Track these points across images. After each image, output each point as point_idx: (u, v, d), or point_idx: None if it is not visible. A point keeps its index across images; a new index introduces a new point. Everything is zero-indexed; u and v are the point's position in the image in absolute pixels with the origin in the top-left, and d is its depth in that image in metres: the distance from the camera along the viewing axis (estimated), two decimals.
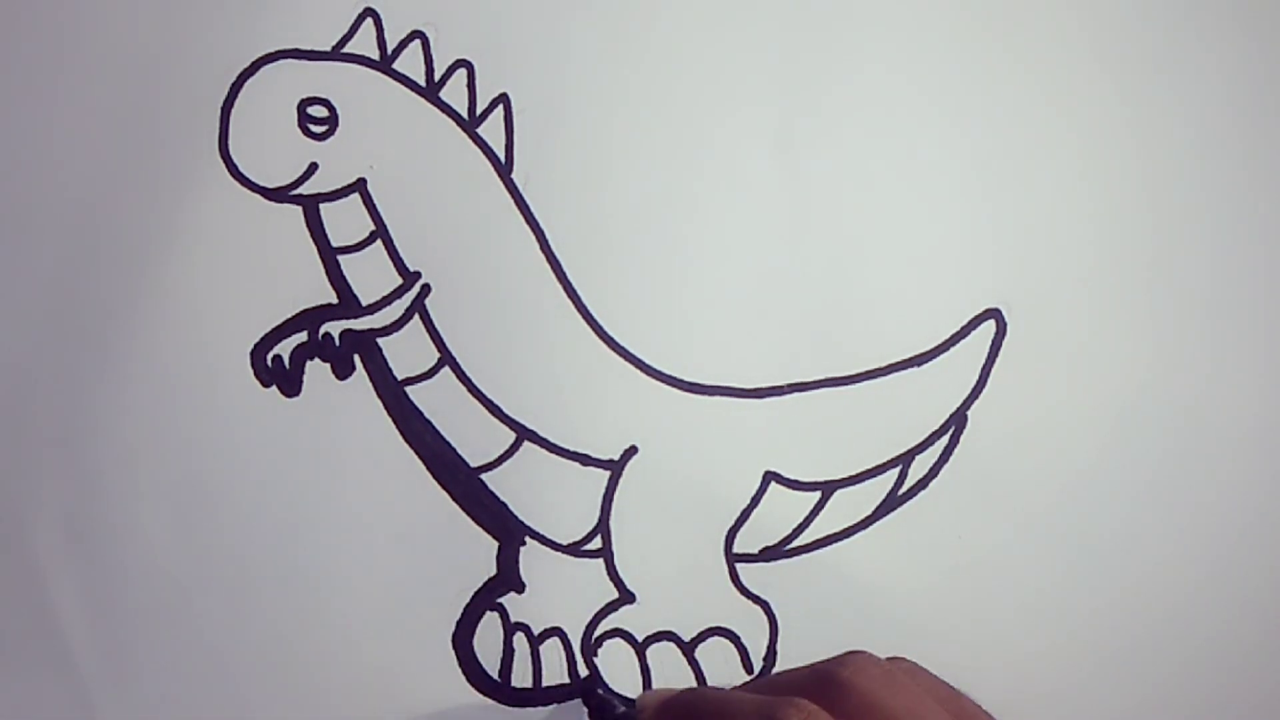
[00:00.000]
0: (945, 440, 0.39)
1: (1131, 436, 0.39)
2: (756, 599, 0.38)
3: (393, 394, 0.39)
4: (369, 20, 0.39)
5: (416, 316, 0.39)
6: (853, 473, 0.39)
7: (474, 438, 0.39)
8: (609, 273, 0.39)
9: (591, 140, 0.39)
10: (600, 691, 0.37)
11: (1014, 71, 0.39)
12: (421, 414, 0.39)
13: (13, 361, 0.39)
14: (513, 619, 0.39)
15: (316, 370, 0.39)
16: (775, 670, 0.38)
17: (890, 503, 0.39)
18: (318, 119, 0.39)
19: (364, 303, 0.39)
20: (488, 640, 0.39)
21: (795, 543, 0.39)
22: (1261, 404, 0.39)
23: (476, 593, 0.39)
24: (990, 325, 0.39)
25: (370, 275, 0.39)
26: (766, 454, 0.39)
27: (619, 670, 0.38)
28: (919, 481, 0.39)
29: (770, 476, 0.39)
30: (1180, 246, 0.39)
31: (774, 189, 0.39)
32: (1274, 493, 0.39)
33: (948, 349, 0.39)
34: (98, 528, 0.39)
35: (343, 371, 0.39)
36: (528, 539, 0.39)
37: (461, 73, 0.39)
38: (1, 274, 0.39)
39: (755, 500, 0.39)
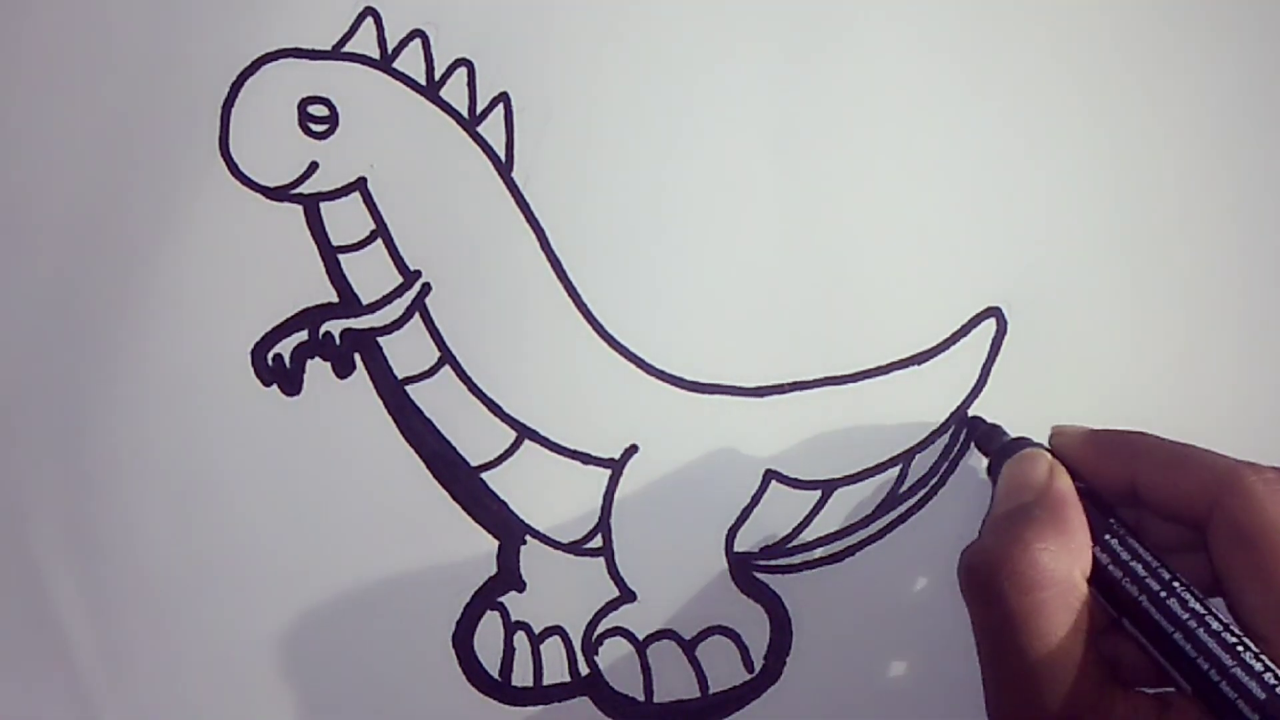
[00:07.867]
0: (945, 439, 0.39)
1: None
2: (757, 597, 0.38)
3: (393, 393, 0.39)
4: (369, 19, 0.39)
5: (417, 315, 0.39)
6: (853, 471, 0.39)
7: (474, 437, 0.39)
8: (609, 272, 0.39)
9: (592, 140, 0.39)
10: (985, 420, 0.37)
11: (1014, 70, 0.39)
12: (422, 413, 0.39)
13: (12, 361, 0.39)
14: (513, 618, 0.38)
15: (317, 369, 0.39)
16: None
17: (890, 502, 0.39)
18: (318, 118, 0.39)
19: (364, 302, 0.39)
20: (488, 639, 0.38)
21: (796, 541, 0.39)
22: (1263, 404, 0.39)
23: (476, 592, 0.38)
24: (990, 324, 0.39)
25: (370, 274, 0.39)
26: (767, 453, 0.39)
27: (619, 669, 0.38)
28: (919, 481, 0.39)
29: (771, 475, 0.39)
30: (1181, 246, 0.39)
31: (774, 188, 0.39)
32: None
33: (948, 348, 0.39)
34: (98, 528, 0.39)
35: (343, 371, 0.39)
36: (528, 538, 0.39)
37: (462, 72, 0.39)
38: (1, 274, 0.39)
39: (756, 499, 0.39)
